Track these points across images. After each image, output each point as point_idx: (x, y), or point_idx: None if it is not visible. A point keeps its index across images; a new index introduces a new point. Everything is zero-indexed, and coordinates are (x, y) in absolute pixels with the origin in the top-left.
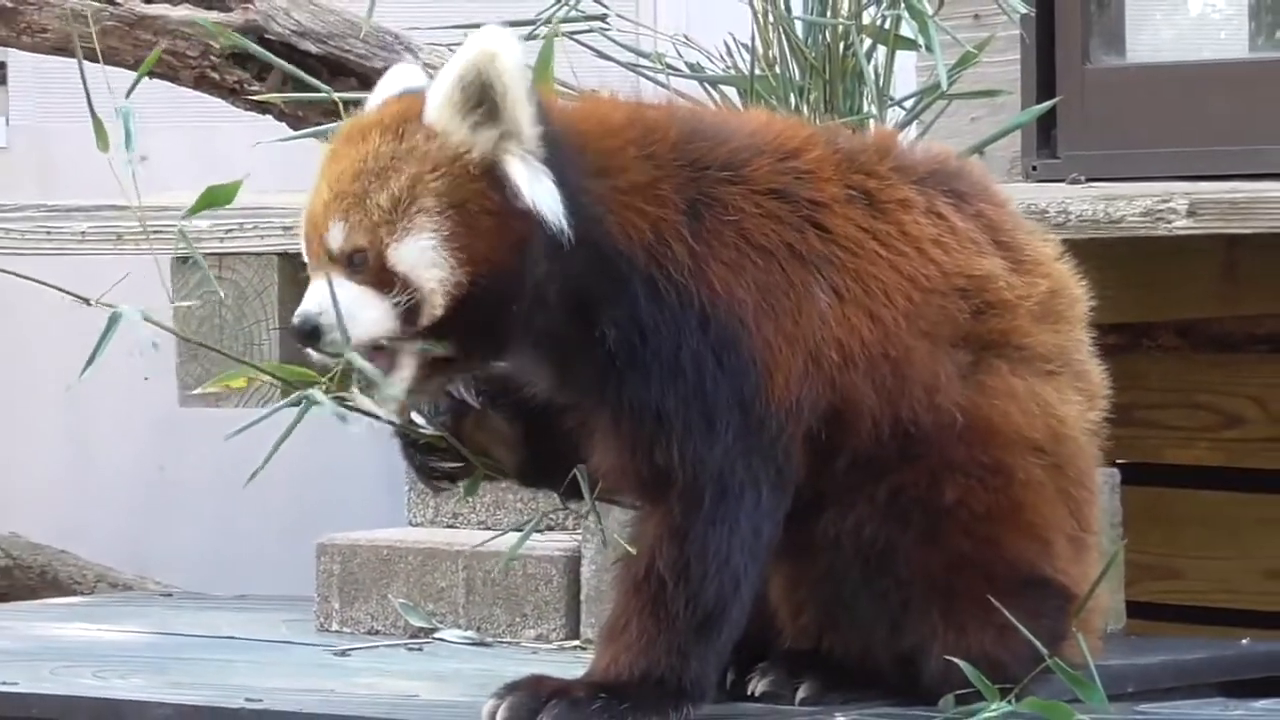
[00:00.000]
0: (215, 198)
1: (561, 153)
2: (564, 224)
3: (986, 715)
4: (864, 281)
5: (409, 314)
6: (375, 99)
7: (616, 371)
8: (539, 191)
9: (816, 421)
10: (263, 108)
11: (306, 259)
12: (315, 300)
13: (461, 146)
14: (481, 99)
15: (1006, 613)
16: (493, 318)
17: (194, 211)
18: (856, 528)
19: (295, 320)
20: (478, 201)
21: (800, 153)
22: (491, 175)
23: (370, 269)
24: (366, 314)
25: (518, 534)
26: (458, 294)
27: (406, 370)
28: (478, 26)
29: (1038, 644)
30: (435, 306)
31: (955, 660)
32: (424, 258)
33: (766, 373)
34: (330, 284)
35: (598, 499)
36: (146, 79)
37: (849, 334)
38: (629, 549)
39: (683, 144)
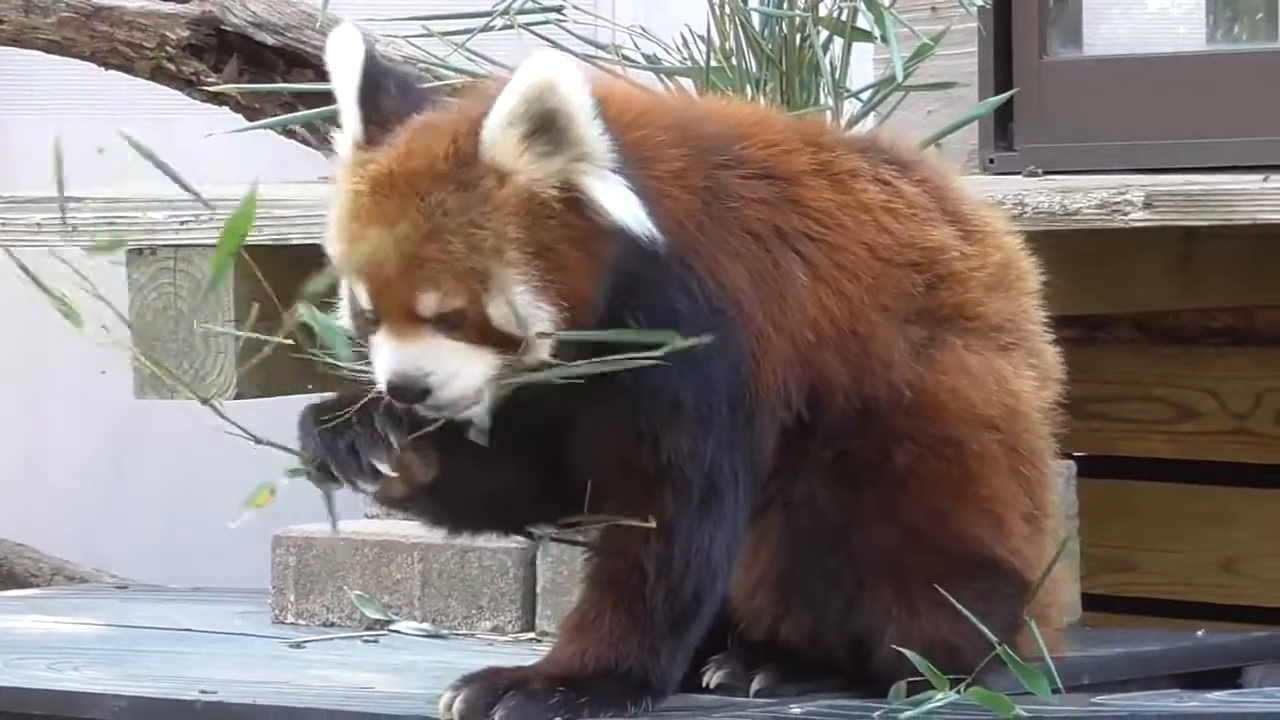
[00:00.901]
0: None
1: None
2: (654, 232)
3: (931, 706)
4: (834, 256)
5: (513, 361)
6: (335, 70)
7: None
8: (625, 207)
9: (800, 405)
10: (219, 99)
11: (375, 315)
12: (410, 361)
13: (535, 183)
14: (544, 127)
15: (959, 597)
16: (581, 338)
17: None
18: (809, 497)
19: (394, 381)
20: (564, 237)
21: (767, 127)
22: (572, 203)
23: (470, 327)
24: (471, 369)
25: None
26: (560, 331)
27: (488, 400)
28: (436, 18)
29: (987, 632)
30: (541, 352)
31: (909, 646)
32: (523, 312)
33: (757, 363)
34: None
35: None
36: (102, 70)
37: (822, 313)
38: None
39: (692, 129)
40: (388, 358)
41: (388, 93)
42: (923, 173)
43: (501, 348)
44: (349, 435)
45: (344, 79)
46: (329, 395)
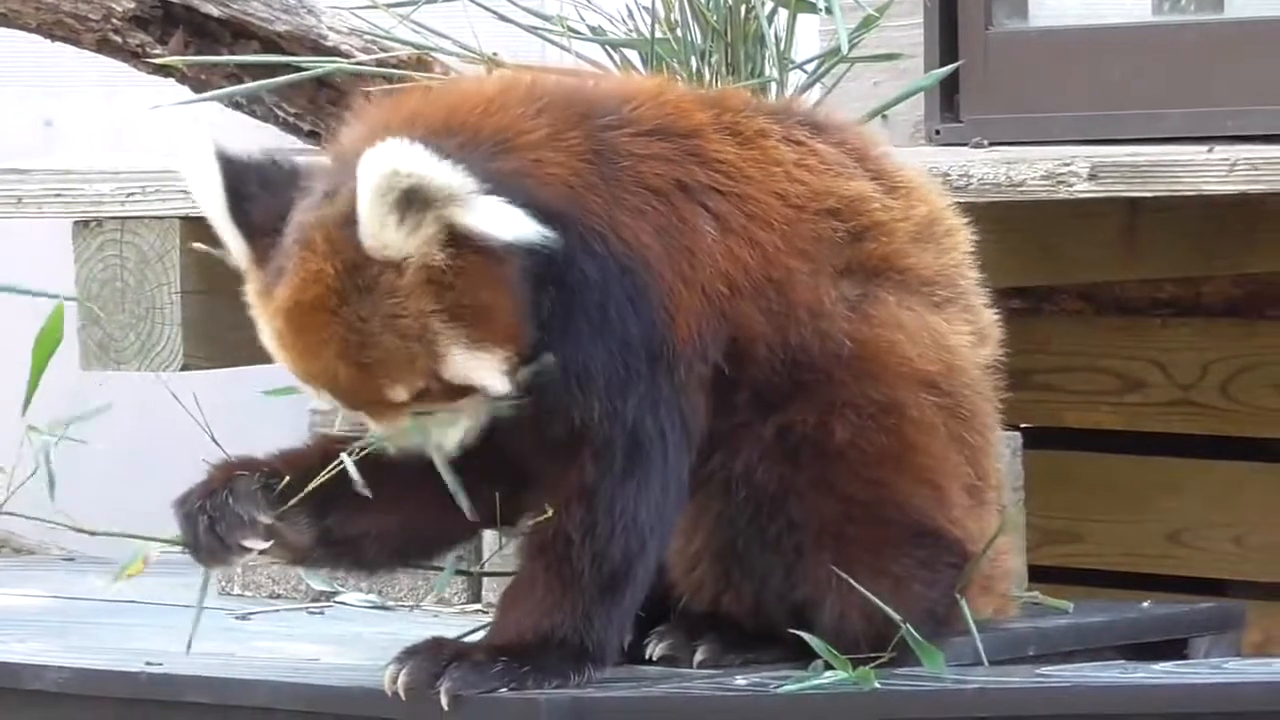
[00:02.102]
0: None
1: (488, 165)
2: (544, 231)
3: (815, 683)
4: (743, 206)
5: (485, 403)
6: (194, 188)
7: (546, 338)
8: (504, 223)
9: (720, 358)
10: (166, 71)
11: (348, 411)
12: (402, 439)
13: (424, 256)
14: (409, 203)
15: (901, 566)
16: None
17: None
18: (747, 471)
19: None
20: (469, 287)
21: (664, 92)
22: (459, 250)
23: (439, 393)
24: (455, 428)
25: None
26: (513, 366)
27: (464, 429)
28: None
29: (892, 613)
30: (501, 390)
31: (849, 615)
32: (468, 366)
33: (670, 318)
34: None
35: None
36: (49, 42)
37: (733, 264)
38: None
39: (564, 98)
40: (380, 434)
41: (254, 199)
42: (841, 135)
43: (474, 395)
44: (206, 520)
45: (207, 198)
46: (199, 480)
